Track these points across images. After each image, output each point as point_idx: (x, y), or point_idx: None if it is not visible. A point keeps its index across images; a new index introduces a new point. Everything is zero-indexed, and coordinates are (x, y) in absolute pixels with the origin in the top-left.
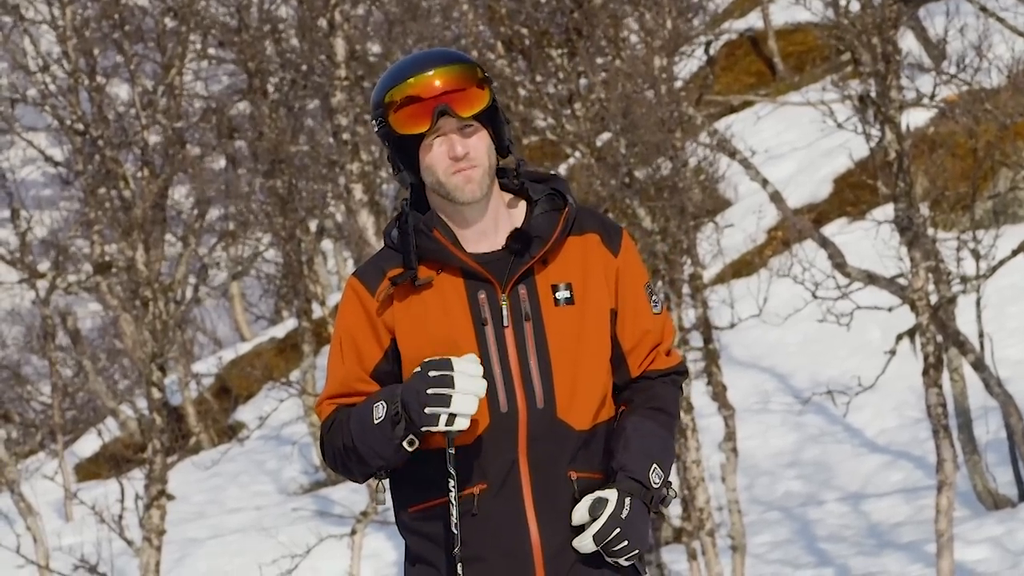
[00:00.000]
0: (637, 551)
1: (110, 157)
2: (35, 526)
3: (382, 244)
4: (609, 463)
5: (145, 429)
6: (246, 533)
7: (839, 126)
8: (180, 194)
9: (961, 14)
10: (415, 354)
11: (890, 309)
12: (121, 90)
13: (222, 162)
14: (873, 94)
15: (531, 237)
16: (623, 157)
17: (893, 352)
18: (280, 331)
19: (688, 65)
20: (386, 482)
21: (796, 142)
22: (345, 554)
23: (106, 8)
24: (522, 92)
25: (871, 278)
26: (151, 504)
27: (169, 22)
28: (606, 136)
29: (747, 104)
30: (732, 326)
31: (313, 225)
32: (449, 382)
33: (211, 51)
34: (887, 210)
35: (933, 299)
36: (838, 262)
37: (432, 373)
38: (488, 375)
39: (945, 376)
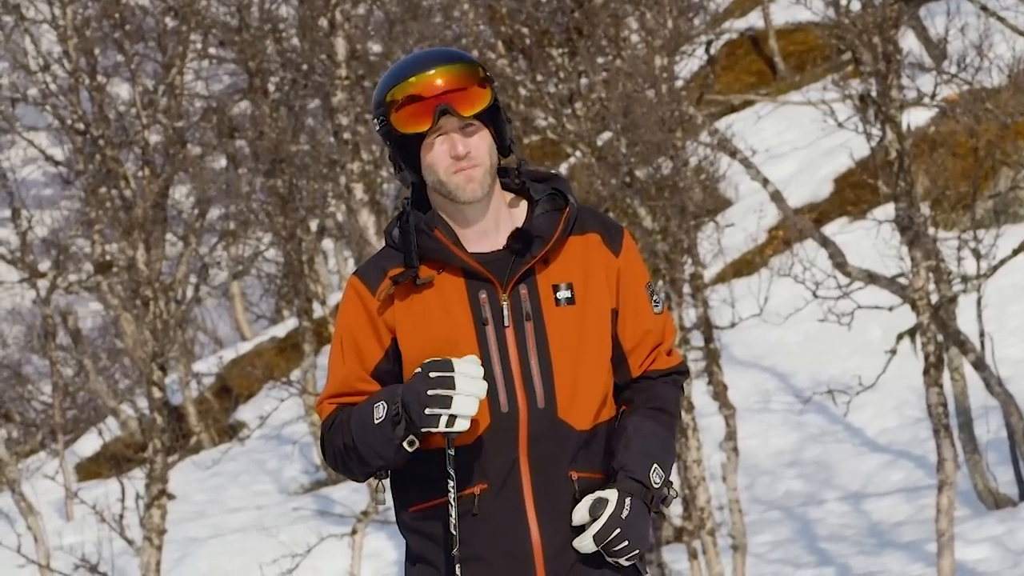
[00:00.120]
0: (638, 551)
1: (111, 156)
2: (36, 525)
3: (383, 244)
4: (610, 463)
5: (146, 428)
6: (247, 532)
7: (840, 125)
8: (181, 193)
9: (962, 13)
10: (416, 354)
11: (891, 308)
12: (122, 89)
13: (223, 161)
14: (874, 93)
15: (532, 237)
16: (624, 156)
17: (894, 351)
18: (281, 330)
19: (689, 64)
20: (386, 482)
21: (797, 141)
22: (346, 553)
23: (107, 7)
24: (523, 91)
25: (872, 277)
26: (152, 503)
27: (170, 21)
28: (607, 135)
29: (748, 103)
30: (733, 325)
31: (314, 224)
32: (450, 383)
33: (212, 50)
34: (888, 209)
35: (934, 298)
36: (839, 261)
37: (433, 374)
38: (489, 375)
39: (946, 375)
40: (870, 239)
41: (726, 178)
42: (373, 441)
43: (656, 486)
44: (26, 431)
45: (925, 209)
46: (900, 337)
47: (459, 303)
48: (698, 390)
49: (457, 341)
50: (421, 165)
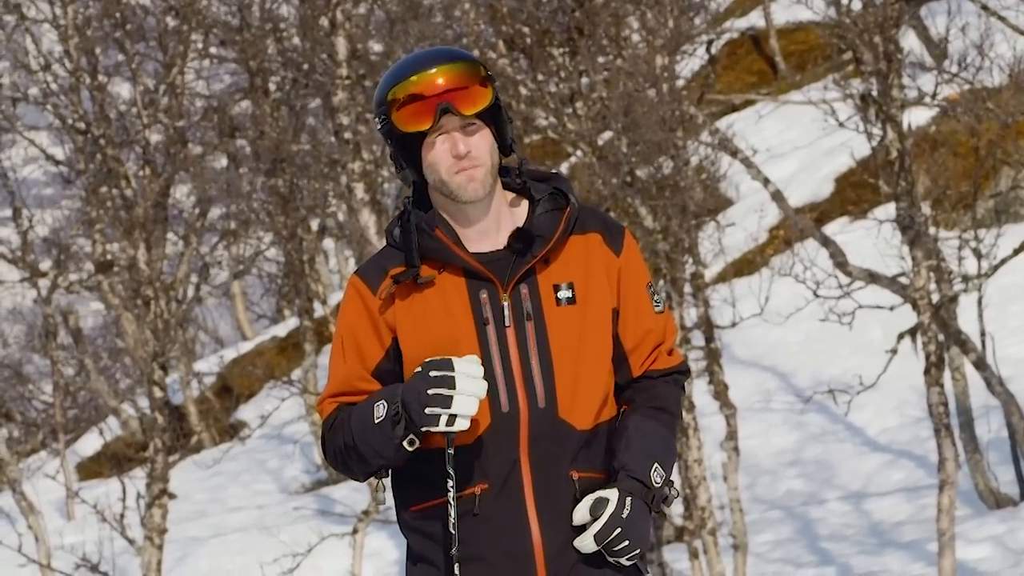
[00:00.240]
0: (638, 551)
1: (112, 156)
2: (37, 525)
3: (384, 243)
4: (611, 463)
5: (147, 428)
6: (247, 532)
7: (841, 125)
8: (181, 193)
9: (963, 13)
10: (416, 353)
11: (892, 308)
12: (123, 89)
13: (224, 161)
14: (875, 93)
15: (533, 236)
16: (625, 156)
17: (895, 351)
18: (281, 330)
19: (690, 64)
20: (387, 481)
21: (798, 141)
22: (347, 553)
23: (107, 7)
24: (524, 91)
25: (872, 277)
26: (153, 503)
27: (171, 21)
28: (608, 135)
29: (749, 103)
30: (734, 325)
31: (315, 224)
32: (450, 383)
33: (213, 50)
34: (889, 209)
35: (935, 298)
36: (839, 261)
37: (433, 373)
38: (489, 375)
39: (947, 375)
40: (871, 239)
41: (727, 178)
42: (373, 440)
43: (657, 485)
44: (27, 430)
45: (926, 209)
46: (901, 337)
47: (460, 303)
48: (699, 390)
49: (458, 341)
50: (422, 164)
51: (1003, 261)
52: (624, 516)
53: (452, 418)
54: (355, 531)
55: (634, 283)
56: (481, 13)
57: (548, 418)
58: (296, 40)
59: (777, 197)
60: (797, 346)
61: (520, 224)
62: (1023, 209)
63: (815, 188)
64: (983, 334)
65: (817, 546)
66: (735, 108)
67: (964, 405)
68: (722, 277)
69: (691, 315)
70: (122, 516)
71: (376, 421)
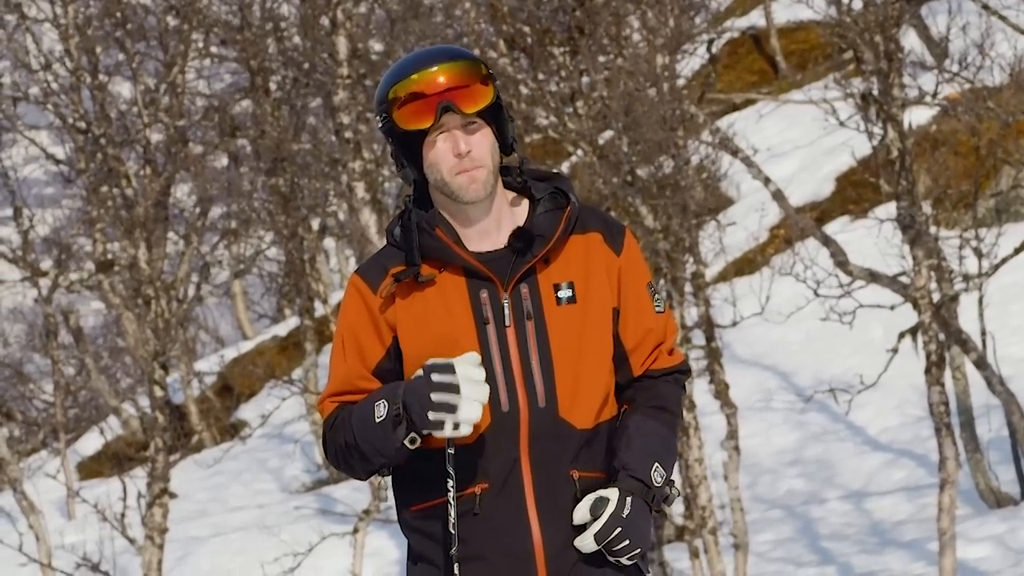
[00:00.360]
0: (639, 550)
1: (112, 155)
2: (37, 524)
3: (384, 242)
4: (611, 462)
5: (147, 427)
6: (248, 531)
7: (841, 124)
8: (182, 192)
9: (963, 12)
10: (417, 352)
11: (892, 307)
12: (123, 88)
13: (224, 160)
14: (875, 92)
15: (533, 236)
16: (625, 155)
17: (895, 350)
18: (282, 329)
19: (690, 63)
20: (388, 479)
21: (798, 140)
22: (347, 552)
23: (108, 6)
24: (524, 90)
25: (873, 276)
26: (153, 502)
27: (171, 20)
28: (608, 134)
29: (749, 102)
30: (734, 324)
31: (315, 223)
32: (455, 388)
33: (213, 49)
34: (889, 208)
35: (935, 297)
36: (840, 260)
37: (435, 377)
38: (489, 374)
39: (947, 374)
40: (872, 238)
41: (728, 177)
42: (374, 439)
43: (657, 485)
44: (28, 430)
45: (927, 208)
46: (902, 336)
47: (460, 302)
48: (700, 389)
49: (458, 340)
50: (423, 163)
51: (1004, 260)
52: (624, 515)
53: (457, 424)
54: (356, 530)
55: (634, 282)
56: (482, 12)
57: (548, 417)
58: (297, 39)
59: (778, 196)
60: (798, 345)
61: (521, 223)
62: (1023, 208)
63: (816, 187)
64: (984, 333)
65: (818, 545)
66: (736, 107)
67: (965, 404)
68: (723, 276)
69: (692, 314)
70: (123, 515)
71: (377, 420)
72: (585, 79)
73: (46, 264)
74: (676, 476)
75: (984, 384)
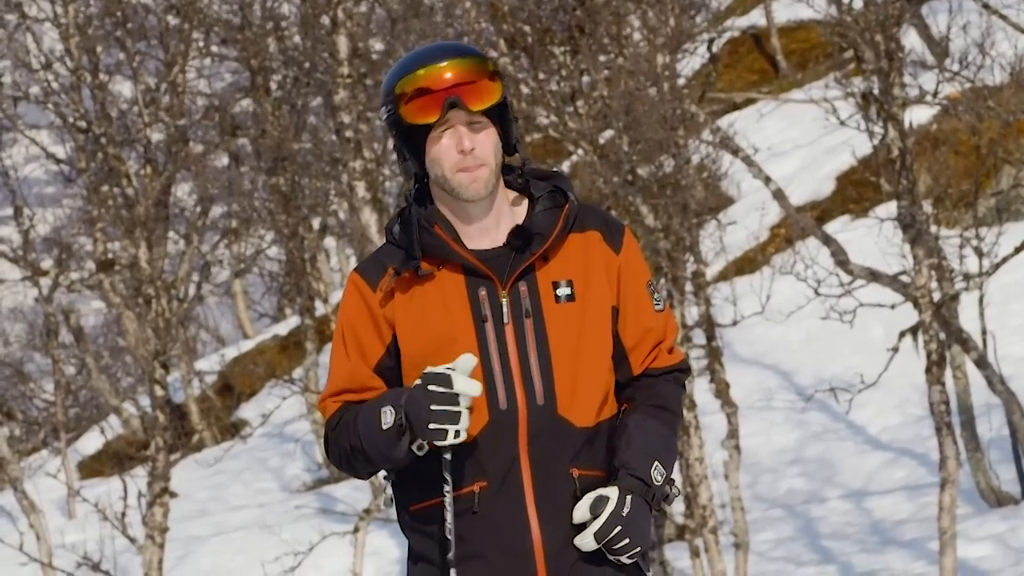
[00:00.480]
0: (639, 549)
1: (113, 155)
2: (38, 524)
3: (384, 241)
4: (611, 461)
5: (148, 427)
6: (249, 531)
7: (842, 123)
8: (183, 191)
9: (964, 11)
10: (415, 351)
11: (893, 306)
12: (124, 88)
13: (225, 160)
14: (876, 91)
15: (532, 234)
16: (626, 154)
17: (896, 349)
18: (283, 328)
19: (691, 62)
20: (387, 479)
21: (799, 139)
22: (348, 552)
23: (109, 6)
24: (525, 90)
25: (874, 275)
26: (154, 502)
27: (172, 19)
28: (609, 133)
29: (750, 101)
30: (735, 323)
31: (316, 222)
32: (453, 400)
33: (214, 48)
34: (890, 207)
35: (936, 296)
36: (841, 259)
37: (433, 388)
38: (487, 372)
39: (948, 373)
40: (872, 237)
41: (728, 176)
42: (381, 446)
43: (657, 484)
44: (28, 429)
45: (927, 207)
46: (902, 335)
47: (459, 300)
48: (700, 388)
49: (456, 338)
50: (426, 158)
51: (1004, 259)
52: (624, 514)
53: (458, 432)
54: (356, 530)
55: (634, 281)
56: (482, 11)
57: (547, 415)
58: (297, 39)
59: (778, 195)
60: (798, 344)
61: (520, 222)
62: None
63: (816, 186)
64: (984, 332)
65: (818, 544)
66: (736, 106)
67: (965, 403)
68: (723, 275)
69: (692, 313)
70: (123, 515)
71: (384, 428)
72: (585, 78)
73: (47, 263)
74: (677, 475)
75: (985, 383)
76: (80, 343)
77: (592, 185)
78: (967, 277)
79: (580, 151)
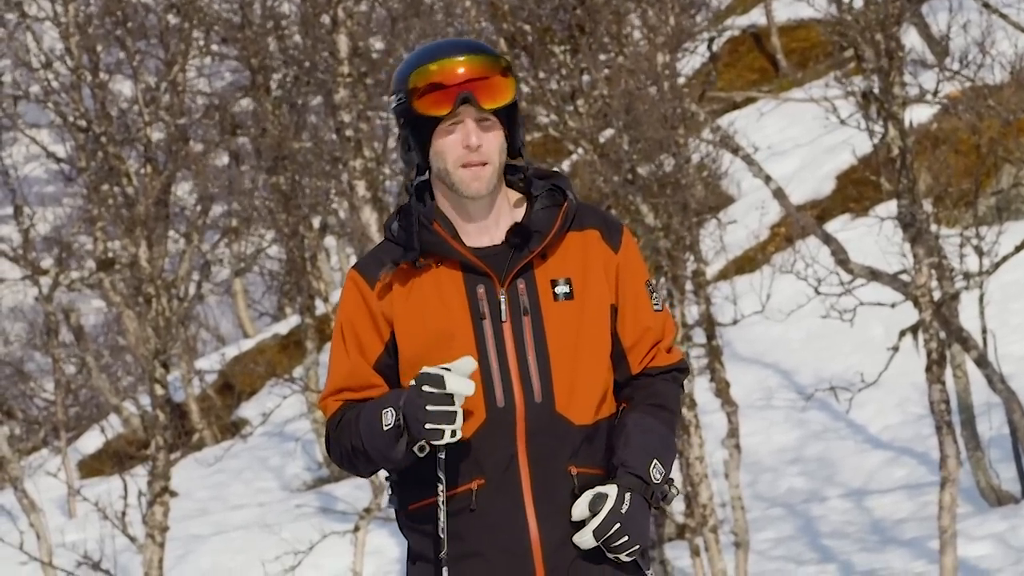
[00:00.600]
0: (638, 547)
1: (113, 154)
2: (38, 523)
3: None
4: (610, 459)
5: (148, 426)
6: (249, 530)
7: (842, 122)
8: (183, 191)
9: (964, 10)
10: (413, 348)
11: (893, 305)
12: (124, 87)
13: (225, 159)
14: (876, 90)
15: (531, 231)
16: (626, 153)
17: (896, 348)
18: (283, 327)
19: (691, 61)
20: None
21: (799, 138)
22: (348, 551)
23: (109, 5)
24: (525, 89)
25: (874, 274)
26: (154, 501)
27: (172, 19)
28: (609, 132)
29: (750, 100)
30: (735, 322)
31: (316, 222)
32: (449, 399)
33: (214, 47)
34: (890, 206)
35: (936, 295)
36: (841, 258)
37: (428, 389)
38: (485, 370)
39: (948, 372)
40: (872, 236)
41: (728, 175)
42: (383, 447)
43: (656, 482)
44: (28, 428)
45: (927, 206)
46: (902, 334)
47: (456, 297)
48: (700, 387)
49: (454, 335)
50: (430, 150)
51: (1005, 258)
52: (623, 512)
53: (454, 432)
54: (357, 529)
55: (633, 280)
56: (482, 11)
57: (545, 413)
58: (297, 38)
59: (778, 194)
60: (798, 343)
61: (519, 220)
62: None
63: (816, 185)
64: (984, 331)
65: (818, 543)
66: (736, 105)
67: (966, 402)
68: (723, 274)
69: (692, 312)
70: (124, 514)
71: (385, 428)
72: (586, 77)
73: (47, 262)
74: (677, 474)
75: (985, 382)
76: (80, 342)
77: (592, 184)
78: (967, 276)
79: (580, 150)
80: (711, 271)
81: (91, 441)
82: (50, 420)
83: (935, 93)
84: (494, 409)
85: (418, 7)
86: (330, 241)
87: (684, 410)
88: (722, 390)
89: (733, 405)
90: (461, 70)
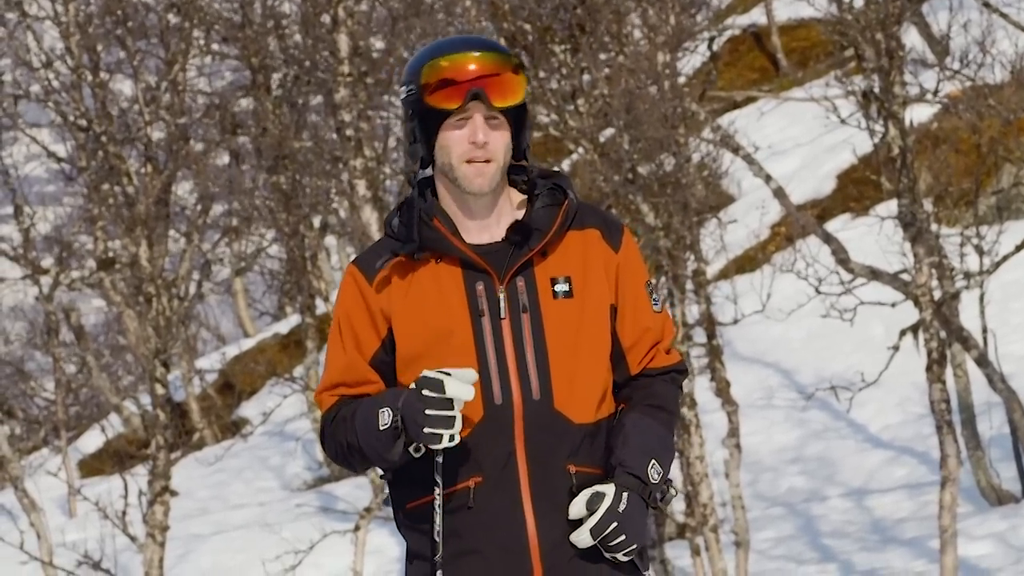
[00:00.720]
0: (635, 546)
1: (113, 153)
2: (39, 522)
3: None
4: (608, 459)
5: (149, 425)
6: (249, 529)
7: (842, 122)
8: (183, 190)
9: (964, 9)
10: (411, 346)
11: (893, 305)
12: (124, 86)
13: (225, 158)
14: (877, 90)
15: (531, 229)
16: (626, 153)
17: (896, 348)
18: (283, 327)
19: (691, 61)
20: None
21: (799, 138)
22: (348, 550)
23: (109, 4)
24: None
25: (874, 274)
26: (155, 500)
27: (172, 18)
28: (609, 132)
29: (750, 100)
30: (735, 322)
31: (316, 221)
32: (448, 405)
33: (214, 47)
34: (890, 206)
35: (936, 295)
36: (841, 258)
37: (427, 394)
38: (483, 367)
39: (948, 372)
40: (873, 235)
41: (729, 174)
42: (378, 446)
43: (654, 482)
44: (29, 428)
45: (928, 205)
46: (903, 333)
47: (455, 293)
48: (701, 386)
49: (452, 331)
50: (436, 144)
51: (1005, 258)
52: (621, 511)
53: (452, 437)
54: (357, 528)
55: (632, 281)
56: (482, 10)
57: (544, 410)
58: (298, 37)
59: (779, 194)
60: (799, 343)
61: (519, 218)
62: None
63: (817, 185)
64: (985, 331)
65: (819, 543)
66: (737, 105)
67: (966, 402)
68: (724, 274)
69: (693, 312)
70: (124, 513)
71: (381, 428)
72: (586, 77)
73: (47, 262)
74: (677, 474)
75: (985, 382)
76: (81, 341)
77: (593, 183)
78: (968, 275)
79: (580, 149)
80: (711, 270)
81: (91, 440)
82: (50, 419)
83: (935, 92)
84: (492, 406)
85: (418, 7)
86: (330, 240)
87: (684, 409)
88: (722, 389)
89: (733, 404)
90: (473, 66)
